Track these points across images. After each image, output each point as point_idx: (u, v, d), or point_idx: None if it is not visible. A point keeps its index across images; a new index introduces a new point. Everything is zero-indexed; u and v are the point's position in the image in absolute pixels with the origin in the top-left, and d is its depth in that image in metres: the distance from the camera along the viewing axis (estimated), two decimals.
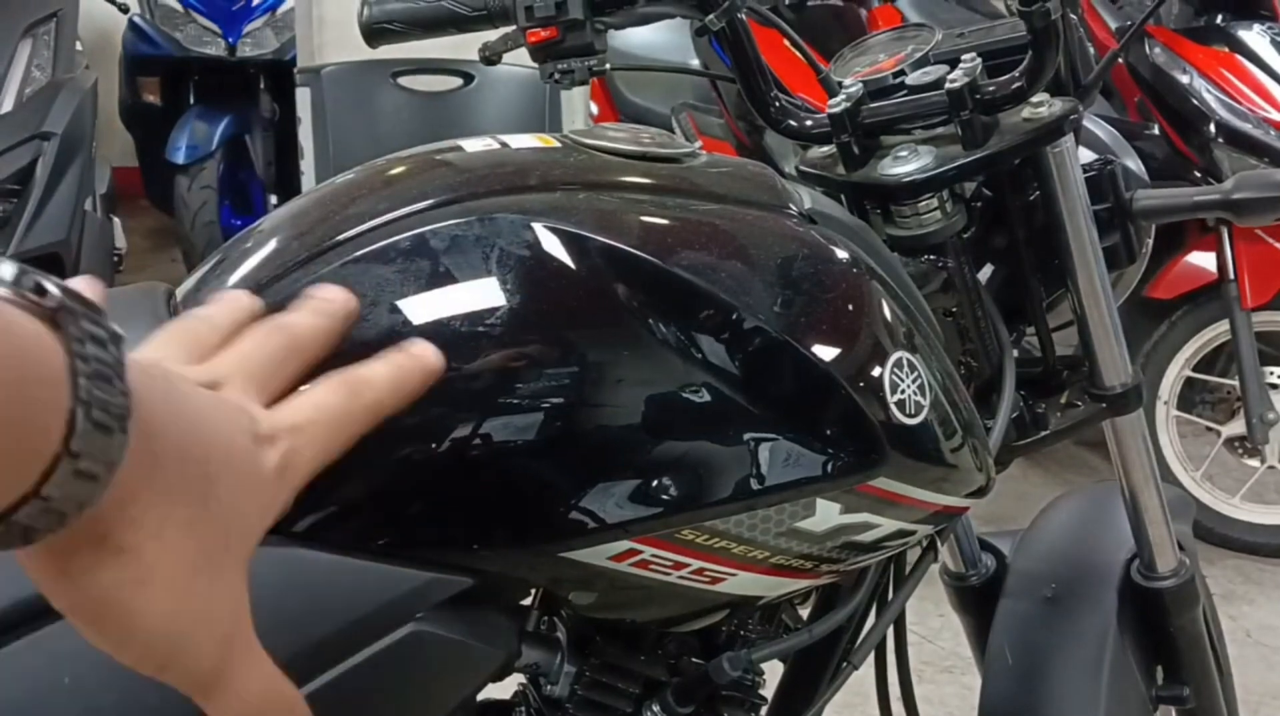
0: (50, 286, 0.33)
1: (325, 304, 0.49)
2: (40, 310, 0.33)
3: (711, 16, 1.00)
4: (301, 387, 0.45)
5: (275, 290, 0.71)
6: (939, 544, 0.95)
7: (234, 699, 0.41)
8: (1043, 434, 1.08)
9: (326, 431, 0.44)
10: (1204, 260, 2.87)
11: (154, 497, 0.36)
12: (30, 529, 0.33)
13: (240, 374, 0.43)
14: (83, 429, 0.32)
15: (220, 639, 0.40)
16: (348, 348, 0.68)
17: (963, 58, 0.97)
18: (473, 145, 0.80)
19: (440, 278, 0.69)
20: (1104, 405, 1.08)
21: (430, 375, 0.48)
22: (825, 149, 1.04)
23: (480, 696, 0.79)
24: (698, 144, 0.88)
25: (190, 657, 0.40)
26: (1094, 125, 2.31)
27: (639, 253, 0.71)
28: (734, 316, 0.72)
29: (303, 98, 2.79)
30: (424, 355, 0.49)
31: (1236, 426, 2.95)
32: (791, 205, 0.82)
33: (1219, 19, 3.05)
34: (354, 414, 0.45)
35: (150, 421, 0.35)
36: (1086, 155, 1.07)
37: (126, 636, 0.39)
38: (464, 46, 1.19)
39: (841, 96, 0.99)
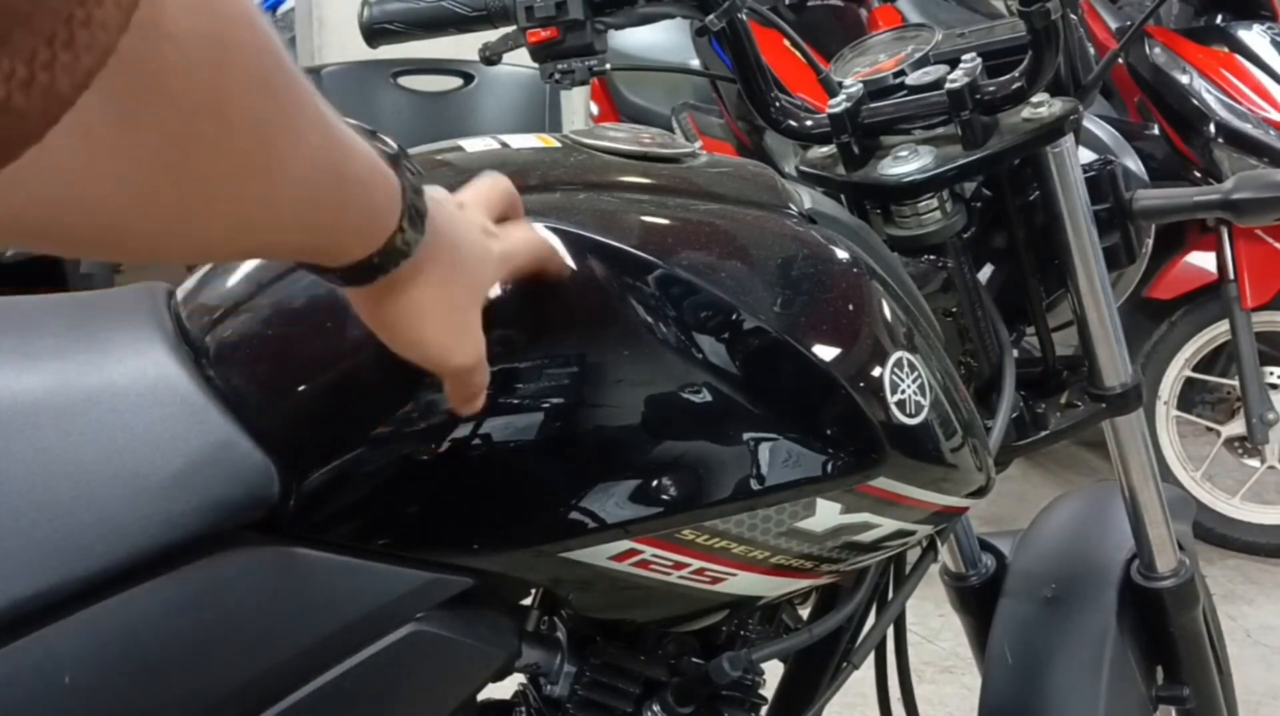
0: (390, 143, 0.57)
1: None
2: (388, 157, 0.56)
3: (711, 16, 1.00)
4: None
5: (276, 289, 0.71)
6: (939, 544, 0.95)
7: (475, 384, 0.63)
8: (1043, 434, 1.08)
9: (526, 246, 0.66)
10: (1204, 260, 2.87)
11: (432, 265, 0.58)
12: (376, 268, 0.56)
13: (474, 201, 0.66)
14: (407, 220, 0.56)
15: (473, 351, 0.62)
16: (348, 348, 0.68)
17: (963, 58, 0.97)
18: (473, 145, 0.80)
19: None
20: (1104, 405, 1.08)
21: (558, 268, 0.70)
22: (825, 149, 1.04)
23: (480, 696, 0.79)
24: (698, 144, 0.88)
25: (452, 357, 0.61)
26: (1094, 125, 2.31)
27: (639, 253, 0.72)
28: (734, 316, 0.72)
29: None
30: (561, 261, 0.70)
31: (1236, 426, 2.95)
32: (791, 205, 0.82)
33: (1219, 19, 3.05)
34: (539, 246, 0.68)
35: (433, 221, 0.58)
36: (1086, 155, 1.07)
37: (415, 344, 0.60)
38: (464, 46, 1.19)
39: (841, 96, 0.99)
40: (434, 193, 0.60)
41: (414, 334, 0.60)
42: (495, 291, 0.69)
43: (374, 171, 0.54)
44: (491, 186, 0.67)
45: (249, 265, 0.74)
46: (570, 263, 0.70)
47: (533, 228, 0.68)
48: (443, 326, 0.60)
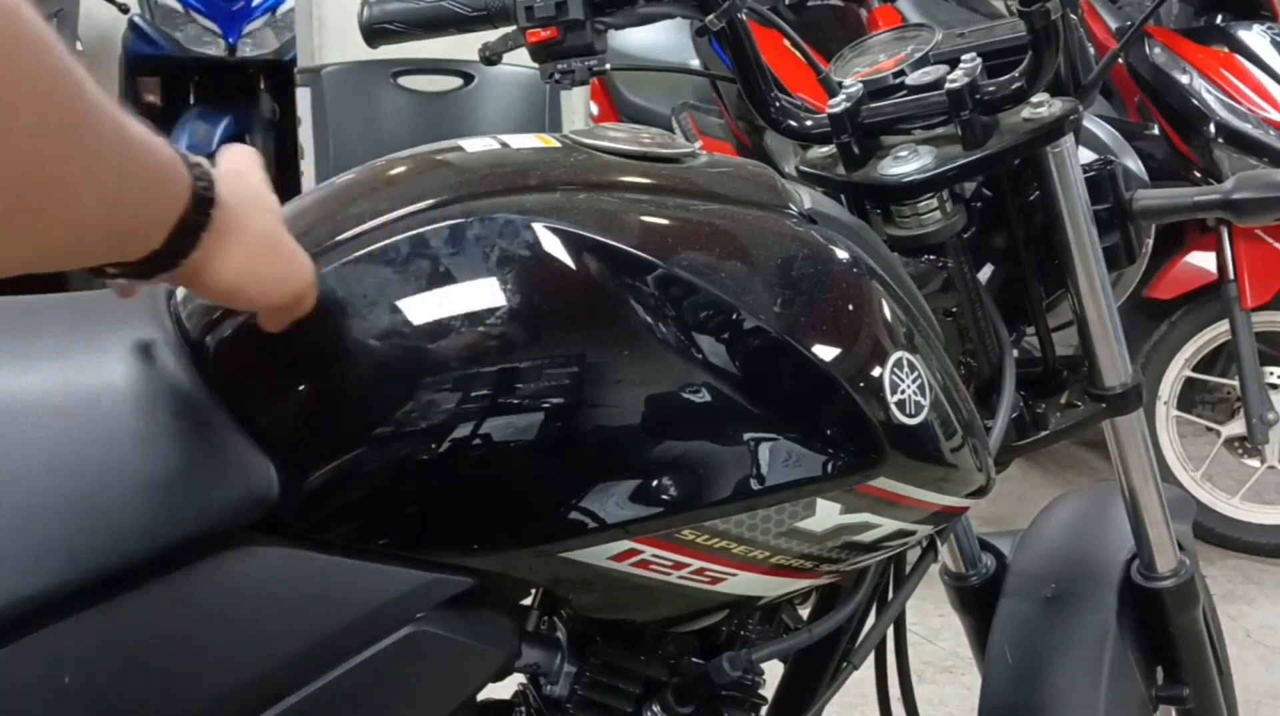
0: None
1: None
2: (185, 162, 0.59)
3: (711, 16, 1.00)
4: None
5: None
6: (939, 544, 0.95)
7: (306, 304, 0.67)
8: (1043, 434, 1.08)
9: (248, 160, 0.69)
10: (1204, 260, 2.87)
11: (240, 212, 0.62)
12: (176, 252, 0.58)
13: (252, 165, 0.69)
14: (196, 202, 0.58)
15: (302, 269, 0.66)
16: (348, 348, 0.68)
17: (963, 58, 0.97)
18: (473, 145, 0.80)
19: (440, 277, 0.69)
20: (1104, 405, 1.08)
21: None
22: (825, 149, 1.04)
23: (480, 696, 0.79)
24: (698, 144, 0.88)
25: (291, 283, 0.65)
26: (1094, 125, 2.31)
27: (639, 253, 0.72)
28: (734, 316, 0.72)
29: (303, 98, 2.79)
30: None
31: (1236, 426, 2.95)
32: (791, 205, 0.82)
33: (1219, 19, 3.05)
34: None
35: (225, 186, 0.61)
36: (1086, 155, 1.07)
37: (252, 294, 0.64)
38: (464, 46, 1.19)
39: (841, 96, 0.99)
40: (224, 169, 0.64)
41: (245, 286, 0.63)
42: (495, 293, 0.69)
43: (156, 149, 0.56)
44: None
45: None
46: (570, 262, 0.70)
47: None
48: (267, 262, 0.64)
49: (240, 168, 0.68)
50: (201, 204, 0.59)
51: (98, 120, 0.52)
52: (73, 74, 0.50)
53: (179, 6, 4.56)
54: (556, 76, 1.03)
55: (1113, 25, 3.08)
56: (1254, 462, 2.97)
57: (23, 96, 0.47)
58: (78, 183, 0.51)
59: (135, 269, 0.59)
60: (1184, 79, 2.94)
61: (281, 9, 4.49)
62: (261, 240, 0.64)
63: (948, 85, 0.95)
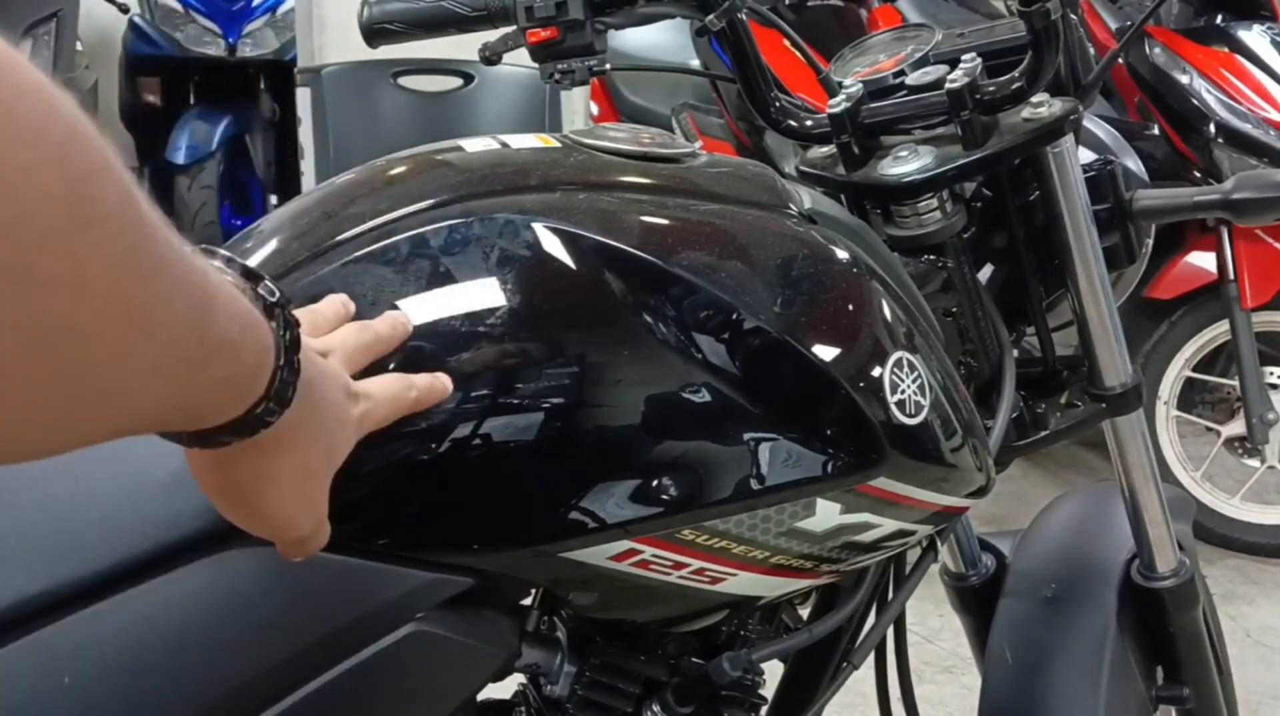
0: (270, 287, 0.52)
1: (399, 321, 0.67)
2: (263, 305, 0.51)
3: (711, 16, 1.00)
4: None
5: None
6: (939, 544, 0.95)
7: (311, 547, 0.60)
8: (1043, 434, 1.08)
9: (388, 404, 0.62)
10: (1204, 260, 2.87)
11: (292, 432, 0.53)
12: (231, 433, 0.51)
13: (340, 350, 0.62)
14: (276, 386, 0.51)
15: (316, 520, 0.59)
16: None
17: (963, 58, 0.97)
18: (473, 145, 0.80)
19: (440, 277, 0.69)
20: (1104, 405, 1.08)
21: (441, 397, 0.66)
22: (825, 149, 1.04)
23: (480, 696, 0.79)
24: (698, 144, 0.88)
25: (294, 530, 0.58)
26: (1094, 125, 2.31)
27: (639, 253, 0.71)
28: (734, 316, 0.72)
29: (303, 98, 2.79)
30: (446, 385, 0.66)
31: (1236, 426, 2.95)
32: (791, 205, 0.82)
33: (1219, 19, 3.05)
34: (403, 401, 0.63)
35: (302, 384, 0.53)
36: (1086, 155, 1.07)
37: (253, 513, 0.56)
38: (464, 46, 1.19)
39: (841, 96, 0.99)
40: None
41: (256, 504, 0.56)
42: (496, 293, 0.69)
43: (245, 328, 0.48)
44: (357, 336, 0.64)
45: (250, 264, 0.74)
46: (570, 262, 0.70)
47: (393, 377, 0.64)
48: (290, 498, 0.56)
49: (339, 345, 0.61)
50: (283, 387, 0.51)
51: (173, 309, 0.42)
52: (151, 234, 0.40)
53: (179, 6, 4.56)
54: (556, 76, 1.03)
55: (1113, 25, 3.08)
56: (1254, 462, 2.97)
57: (94, 276, 0.38)
58: (137, 386, 0.43)
59: (188, 437, 0.52)
60: (1184, 79, 2.94)
61: (281, 9, 4.49)
62: (305, 471, 0.56)
63: (948, 85, 0.95)
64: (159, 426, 0.49)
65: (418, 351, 0.68)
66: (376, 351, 0.64)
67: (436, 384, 0.65)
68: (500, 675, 0.77)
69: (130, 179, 0.39)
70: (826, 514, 0.77)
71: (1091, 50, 1.09)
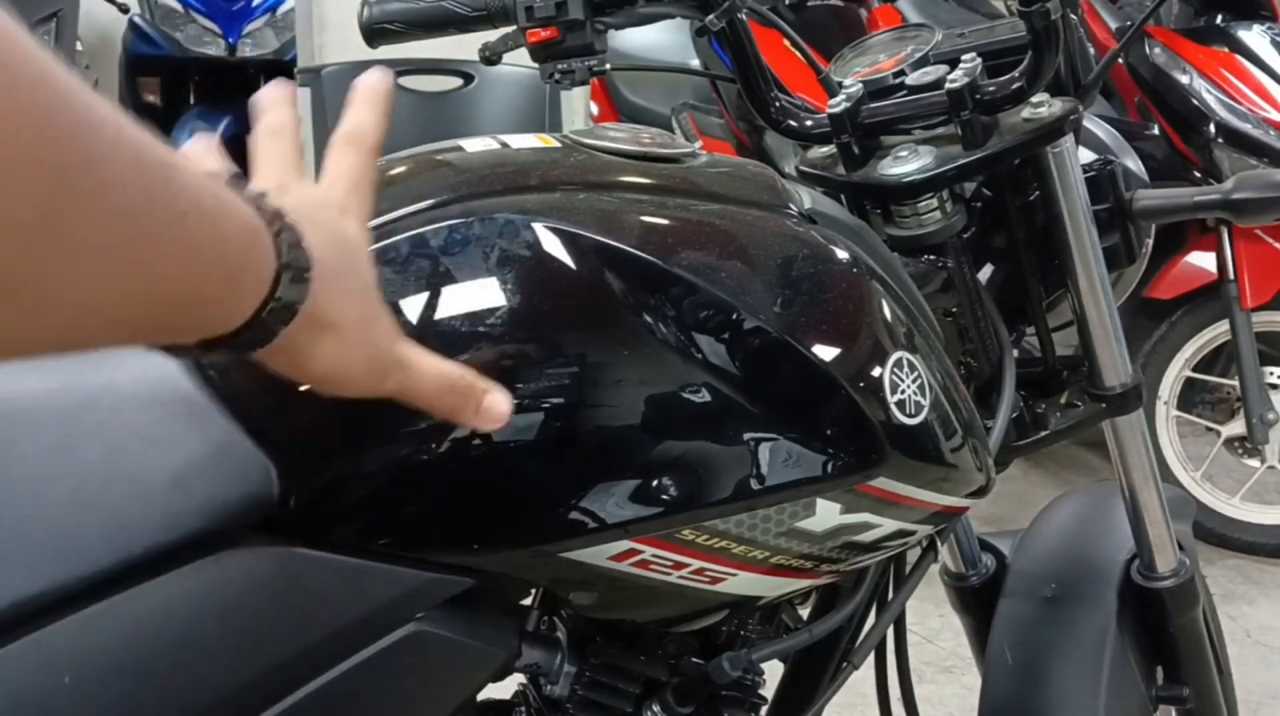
0: (269, 201, 0.51)
1: (370, 93, 0.64)
2: (262, 213, 0.50)
3: (711, 16, 1.00)
4: None
5: None
6: (939, 544, 0.95)
7: (423, 386, 0.58)
8: (1043, 434, 1.08)
9: (362, 185, 0.60)
10: (1204, 260, 2.87)
11: (327, 294, 0.52)
12: (268, 328, 0.50)
13: (287, 176, 0.59)
14: (286, 272, 0.50)
15: (397, 350, 0.57)
16: None
17: (963, 58, 0.97)
18: (473, 145, 0.80)
19: (440, 277, 0.69)
20: (1104, 405, 1.08)
21: (385, 90, 0.66)
22: (825, 149, 1.04)
23: (480, 696, 0.79)
24: (698, 144, 0.88)
25: (386, 372, 0.57)
26: (1094, 125, 2.31)
27: (639, 253, 0.71)
28: (734, 316, 0.72)
29: (303, 98, 2.78)
30: (373, 80, 0.66)
31: (1236, 426, 2.95)
32: (791, 205, 0.82)
33: (1219, 19, 3.05)
34: (368, 165, 0.61)
35: (322, 259, 0.52)
36: (1086, 155, 1.07)
37: (349, 380, 0.56)
38: (464, 46, 1.19)
39: (841, 96, 0.99)
40: (308, 206, 0.54)
41: (347, 375, 0.55)
42: (496, 293, 0.69)
43: (221, 203, 0.47)
44: (344, 162, 0.61)
45: None
46: (570, 262, 0.70)
47: (339, 157, 0.61)
48: (366, 342, 0.55)
49: (338, 199, 0.59)
50: (289, 291, 0.50)
51: (106, 173, 0.40)
52: (80, 108, 0.39)
53: (179, 6, 4.56)
54: (556, 76, 1.03)
55: (1113, 25, 3.08)
56: (1254, 462, 2.97)
57: None
58: (66, 263, 0.40)
59: (202, 348, 0.50)
60: (1184, 79, 2.95)
61: (281, 9, 4.49)
62: (353, 326, 0.55)
63: (948, 85, 0.95)
64: (154, 324, 0.46)
65: None
66: (376, 149, 0.62)
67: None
68: (500, 675, 0.77)
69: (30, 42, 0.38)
70: (826, 514, 0.77)
71: (1091, 50, 1.09)
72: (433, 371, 0.59)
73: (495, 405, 0.61)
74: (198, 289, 0.46)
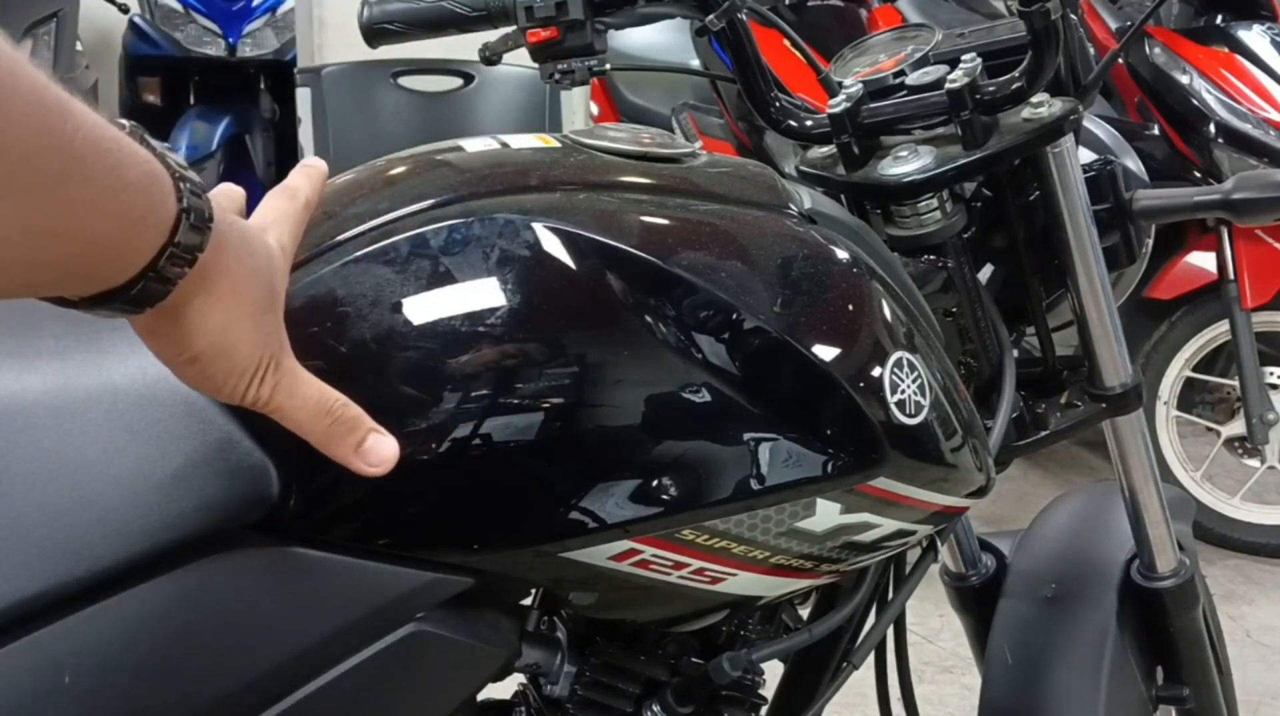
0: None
1: (314, 169, 0.67)
2: (166, 165, 0.50)
3: (711, 16, 1.00)
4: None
5: None
6: (939, 544, 0.95)
7: (299, 397, 0.58)
8: (1043, 434, 1.08)
9: (291, 224, 0.62)
10: (1204, 260, 2.87)
11: (232, 263, 0.53)
12: (164, 277, 0.50)
13: (279, 226, 0.62)
14: (186, 218, 0.50)
15: (272, 356, 0.56)
16: (347, 347, 0.68)
17: (963, 58, 0.97)
18: (473, 145, 0.80)
19: (440, 277, 0.69)
20: (1104, 405, 1.08)
21: (323, 173, 0.67)
22: (825, 149, 1.04)
23: (480, 696, 0.79)
24: (698, 144, 0.88)
25: (263, 366, 0.56)
26: (1094, 125, 2.30)
27: (639, 253, 0.71)
28: (734, 316, 0.72)
29: (303, 98, 2.79)
30: (316, 163, 0.67)
31: (1236, 426, 2.95)
32: (791, 205, 0.82)
33: (1219, 19, 3.05)
34: (297, 212, 0.63)
35: (225, 232, 0.53)
36: (1086, 155, 1.07)
37: (228, 366, 0.55)
38: (464, 46, 1.19)
39: (841, 97, 0.99)
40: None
41: (226, 353, 0.55)
42: (496, 293, 0.69)
43: (128, 155, 0.48)
44: (285, 204, 0.63)
45: None
46: (570, 262, 0.70)
47: (272, 202, 0.64)
48: (257, 338, 0.55)
49: (261, 223, 0.61)
50: (189, 236, 0.50)
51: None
52: None
53: (179, 6, 4.56)
54: (556, 76, 1.03)
55: (1113, 25, 3.09)
56: (1254, 462, 2.97)
57: None
58: None
59: (86, 304, 0.51)
60: (1184, 79, 2.95)
61: (281, 9, 4.49)
62: (253, 306, 0.55)
63: (948, 85, 0.95)
64: (48, 270, 0.47)
65: (418, 351, 0.68)
66: (309, 210, 0.64)
67: (312, 171, 0.66)
68: (500, 675, 0.77)
69: None
70: (826, 514, 0.77)
71: (1091, 50, 1.09)
72: (314, 392, 0.58)
73: (379, 447, 0.60)
74: (95, 232, 0.47)
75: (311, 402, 0.58)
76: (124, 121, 0.51)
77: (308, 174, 0.66)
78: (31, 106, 0.43)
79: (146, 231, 0.49)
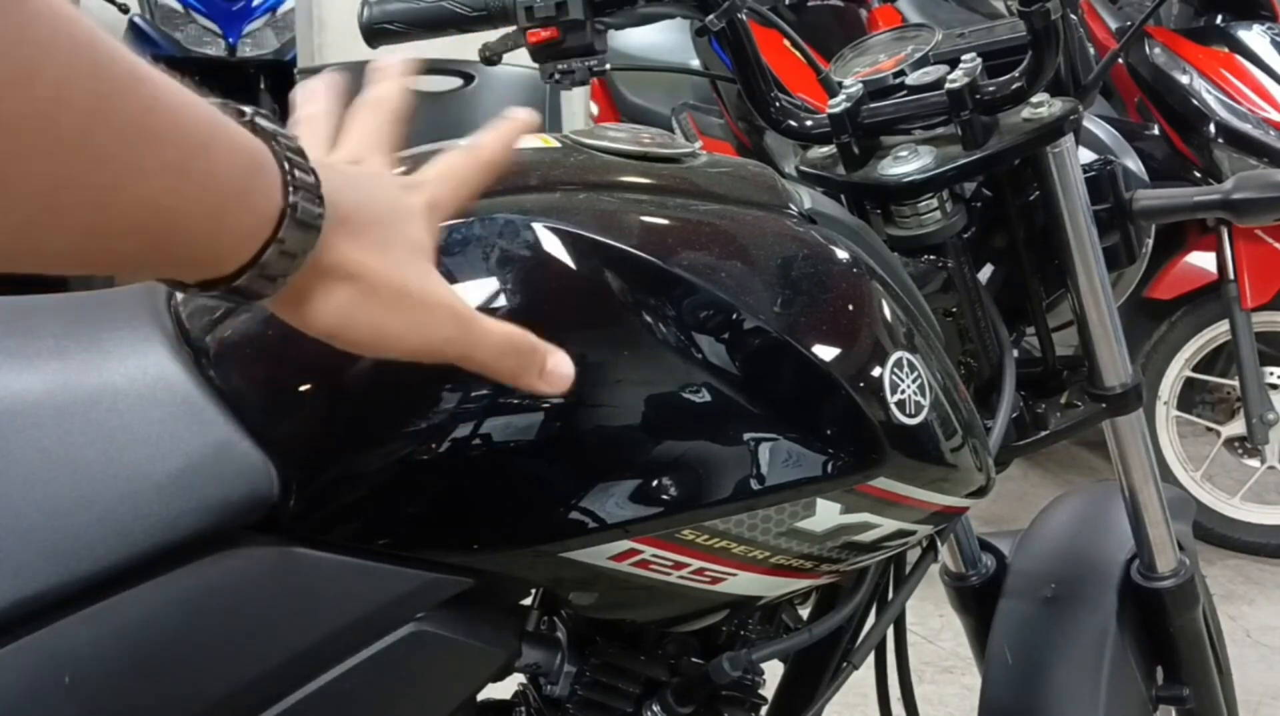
0: (291, 140, 0.49)
1: (509, 125, 0.63)
2: (275, 151, 0.48)
3: (711, 16, 1.00)
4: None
5: None
6: (939, 544, 0.95)
7: (483, 348, 0.56)
8: (1043, 434, 1.08)
9: (454, 181, 0.59)
10: (1204, 260, 2.87)
11: (352, 246, 0.51)
12: (268, 274, 0.48)
13: (369, 151, 0.60)
14: (295, 197, 0.48)
15: (448, 311, 0.54)
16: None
17: (963, 58, 0.97)
18: None
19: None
20: (1104, 405, 1.08)
21: (526, 127, 0.63)
22: (825, 149, 1.04)
23: (480, 696, 0.79)
24: (698, 144, 0.88)
25: (435, 331, 0.53)
26: (1094, 125, 2.30)
27: (639, 253, 0.71)
28: (734, 316, 0.72)
29: None
30: (517, 114, 0.63)
31: (1236, 426, 2.95)
32: (791, 205, 0.82)
33: (1219, 19, 3.06)
34: (471, 167, 0.60)
35: (338, 204, 0.50)
36: (1086, 155, 1.07)
37: (378, 338, 0.52)
38: (464, 46, 1.19)
39: (841, 97, 0.99)
40: (325, 163, 0.53)
41: (376, 328, 0.52)
42: (496, 293, 0.69)
43: (234, 148, 0.47)
44: (367, 122, 0.61)
45: None
46: (570, 262, 0.70)
47: (446, 157, 0.61)
48: (405, 301, 0.52)
49: (429, 175, 0.58)
50: (294, 233, 0.48)
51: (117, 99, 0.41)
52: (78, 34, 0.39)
53: (179, 6, 4.56)
54: (556, 76, 1.03)
55: (1113, 25, 3.09)
56: (1254, 462, 2.97)
57: None
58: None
59: (203, 288, 0.49)
60: (1184, 79, 2.95)
61: (281, 9, 4.50)
62: (383, 282, 0.52)
63: (948, 85, 0.95)
64: (170, 263, 0.46)
65: None
66: (396, 126, 0.61)
67: (506, 126, 0.62)
68: (500, 675, 0.77)
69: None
70: (826, 514, 0.77)
71: (1091, 50, 1.09)
72: (494, 332, 0.56)
73: (559, 367, 0.59)
74: (175, 213, 0.44)
75: (494, 343, 0.56)
76: (245, 109, 0.50)
77: (498, 131, 0.62)
78: (88, 65, 0.41)
79: (244, 221, 0.47)
